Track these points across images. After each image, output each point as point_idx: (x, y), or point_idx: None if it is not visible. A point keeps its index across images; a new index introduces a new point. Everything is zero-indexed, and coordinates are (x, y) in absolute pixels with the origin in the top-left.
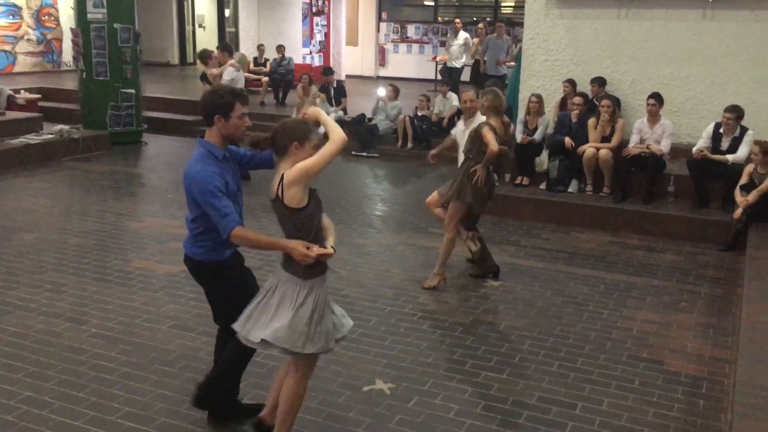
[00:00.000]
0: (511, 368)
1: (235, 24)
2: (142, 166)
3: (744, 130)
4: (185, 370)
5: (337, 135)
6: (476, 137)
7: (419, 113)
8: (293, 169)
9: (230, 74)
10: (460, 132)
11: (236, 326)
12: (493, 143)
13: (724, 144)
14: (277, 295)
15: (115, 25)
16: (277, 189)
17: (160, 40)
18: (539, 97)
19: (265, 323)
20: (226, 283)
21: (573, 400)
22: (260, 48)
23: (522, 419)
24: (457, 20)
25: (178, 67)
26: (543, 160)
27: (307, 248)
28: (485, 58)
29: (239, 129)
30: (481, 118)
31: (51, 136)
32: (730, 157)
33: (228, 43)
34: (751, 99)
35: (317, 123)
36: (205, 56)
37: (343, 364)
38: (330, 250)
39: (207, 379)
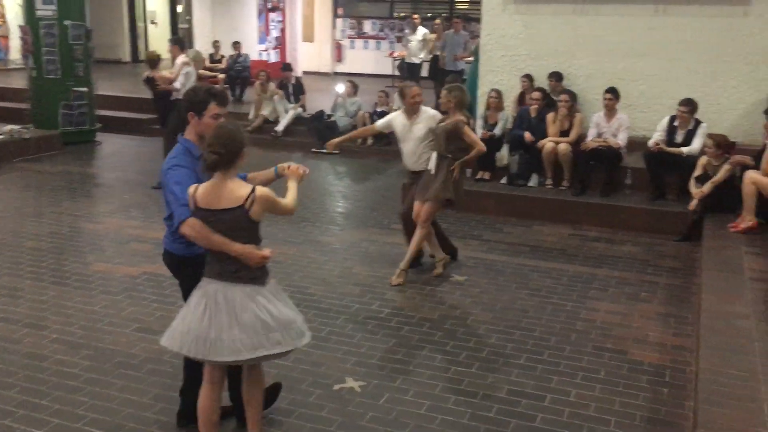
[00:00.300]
0: (479, 362)
1: (189, 20)
2: (96, 166)
3: (698, 123)
4: (152, 374)
5: (291, 202)
6: (455, 135)
7: (378, 109)
8: (267, 193)
9: (183, 77)
10: (402, 126)
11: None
12: (480, 143)
13: (679, 137)
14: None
15: (66, 22)
16: (246, 199)
17: (111, 37)
18: (498, 93)
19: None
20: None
21: (541, 392)
22: (215, 44)
23: (492, 413)
24: (415, 16)
25: (130, 64)
26: (503, 154)
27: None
28: (443, 54)
29: (211, 129)
30: (427, 112)
31: (1, 136)
32: (684, 150)
33: (180, 37)
34: (703, 92)
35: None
36: (154, 60)
37: (312, 363)
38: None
39: (182, 392)
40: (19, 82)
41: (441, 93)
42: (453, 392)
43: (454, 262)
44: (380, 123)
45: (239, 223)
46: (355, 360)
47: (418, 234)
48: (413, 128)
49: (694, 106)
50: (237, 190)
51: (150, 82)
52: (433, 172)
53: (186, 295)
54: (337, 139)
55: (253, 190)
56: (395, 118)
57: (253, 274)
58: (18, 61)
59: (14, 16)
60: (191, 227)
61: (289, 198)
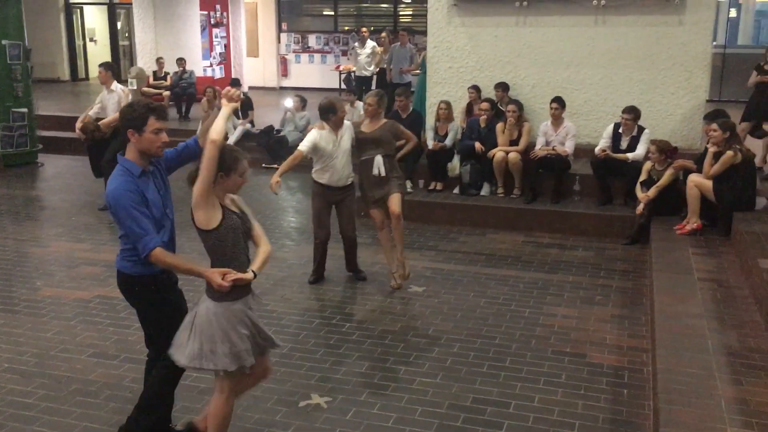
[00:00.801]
0: (443, 372)
1: (130, 37)
2: (39, 188)
3: (641, 129)
4: (111, 400)
5: (217, 131)
6: (395, 134)
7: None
8: (193, 193)
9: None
10: (332, 142)
11: (171, 352)
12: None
13: (624, 143)
14: (195, 316)
15: (3, 42)
16: (191, 212)
17: (49, 55)
18: (448, 104)
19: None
20: (156, 300)
21: (506, 399)
22: (159, 62)
23: (459, 422)
24: (364, 29)
25: (69, 82)
26: (455, 165)
27: (223, 276)
28: (390, 67)
29: (154, 144)
30: (345, 124)
31: None
32: (630, 156)
33: (112, 63)
34: (643, 99)
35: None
36: (90, 130)
37: (276, 380)
38: (248, 276)
39: (136, 408)
40: None
41: (368, 100)
42: (419, 403)
43: (420, 287)
44: (305, 147)
45: (200, 236)
46: (319, 376)
47: (399, 228)
48: (341, 142)
49: (637, 114)
50: None
51: (91, 132)
52: (382, 173)
53: (141, 318)
54: (274, 179)
55: None
56: (320, 138)
57: (213, 291)
58: None
59: None
60: (156, 258)
61: (212, 131)
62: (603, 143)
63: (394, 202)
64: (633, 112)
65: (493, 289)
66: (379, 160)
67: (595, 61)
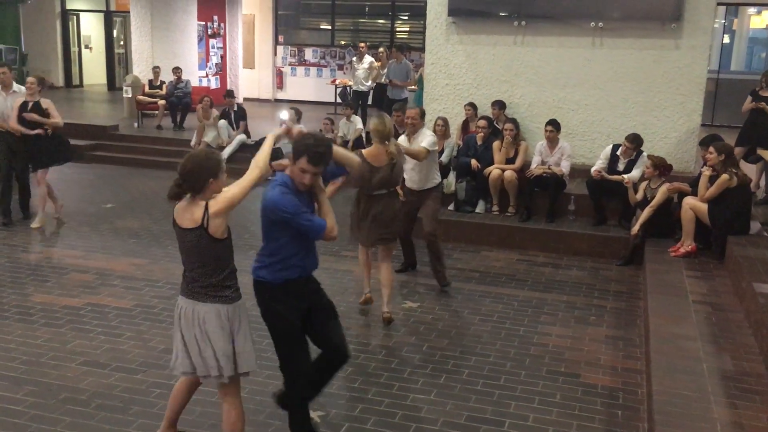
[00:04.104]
0: (437, 389)
1: (125, 45)
2: (32, 194)
3: (640, 152)
4: (101, 409)
5: (263, 160)
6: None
7: (330, 135)
8: (219, 200)
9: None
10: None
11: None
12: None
13: (621, 165)
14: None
15: (0, 46)
16: (203, 219)
17: (44, 62)
18: (445, 120)
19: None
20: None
21: (500, 418)
22: (155, 70)
23: None
24: (362, 44)
25: (63, 89)
26: (450, 181)
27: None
28: (390, 82)
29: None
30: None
31: None
32: (626, 177)
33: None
34: (638, 121)
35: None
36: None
37: (270, 394)
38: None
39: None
40: None
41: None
42: (413, 420)
43: (415, 303)
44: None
45: (201, 242)
46: None
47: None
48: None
49: (639, 143)
50: (197, 211)
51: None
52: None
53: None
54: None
55: (206, 209)
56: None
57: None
58: None
59: None
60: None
61: (260, 161)
62: (599, 164)
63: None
64: (635, 142)
65: (487, 307)
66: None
67: (591, 83)
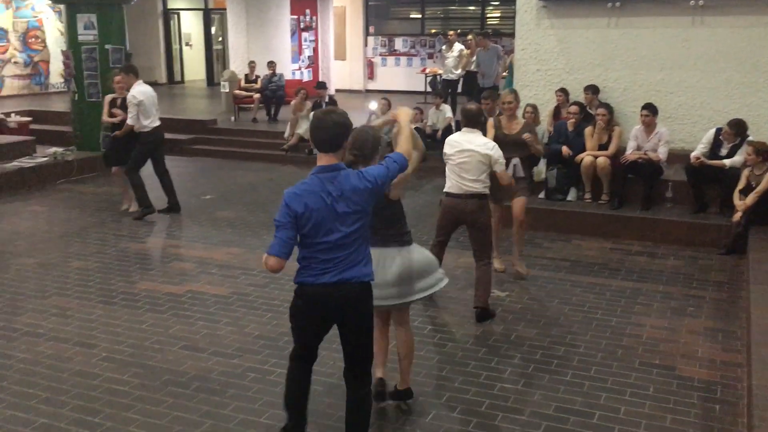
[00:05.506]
0: (525, 379)
1: (223, 41)
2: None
3: (745, 137)
4: (200, 392)
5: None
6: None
7: (413, 125)
8: (404, 176)
9: (134, 108)
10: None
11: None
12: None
13: (723, 150)
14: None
15: (107, 46)
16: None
17: (147, 59)
18: (534, 107)
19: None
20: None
21: (590, 409)
22: (251, 65)
23: (541, 430)
24: (451, 32)
25: (166, 86)
26: (541, 169)
27: None
28: (481, 70)
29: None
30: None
31: (45, 159)
32: (727, 162)
33: (132, 64)
34: (742, 103)
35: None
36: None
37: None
38: None
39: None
40: (59, 105)
41: (506, 98)
42: (500, 409)
43: (503, 291)
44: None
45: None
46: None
47: (520, 233)
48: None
49: (742, 128)
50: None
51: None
52: (519, 175)
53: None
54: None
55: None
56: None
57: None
58: (58, 84)
59: (54, 41)
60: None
61: (409, 147)
62: (700, 149)
63: (519, 205)
64: (736, 128)
65: (578, 297)
66: (517, 161)
67: (691, 64)
